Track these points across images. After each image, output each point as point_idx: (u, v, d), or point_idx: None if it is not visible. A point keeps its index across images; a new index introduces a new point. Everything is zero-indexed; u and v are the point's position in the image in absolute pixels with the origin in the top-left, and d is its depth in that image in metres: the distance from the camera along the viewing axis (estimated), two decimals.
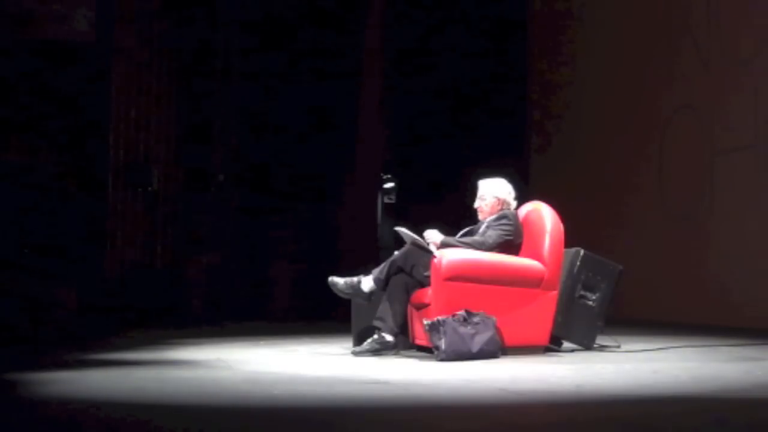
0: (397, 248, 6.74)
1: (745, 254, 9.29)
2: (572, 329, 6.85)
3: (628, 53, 11.17)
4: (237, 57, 12.08)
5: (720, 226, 9.72)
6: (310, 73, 12.15)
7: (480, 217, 6.87)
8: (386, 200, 7.57)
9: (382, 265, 6.64)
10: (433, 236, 6.64)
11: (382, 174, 7.68)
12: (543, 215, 6.71)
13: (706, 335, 7.85)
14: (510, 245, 6.65)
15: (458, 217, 7.42)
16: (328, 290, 6.71)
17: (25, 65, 11.01)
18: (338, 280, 6.66)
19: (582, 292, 6.92)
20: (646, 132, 10.85)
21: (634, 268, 8.28)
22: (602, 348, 6.89)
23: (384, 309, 6.51)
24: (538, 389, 4.95)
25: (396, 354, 6.49)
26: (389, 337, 6.47)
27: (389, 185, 7.58)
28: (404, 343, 6.67)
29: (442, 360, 6.00)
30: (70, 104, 11.08)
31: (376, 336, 6.48)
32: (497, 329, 6.17)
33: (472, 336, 6.04)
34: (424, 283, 6.50)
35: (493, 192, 6.84)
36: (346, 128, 12.37)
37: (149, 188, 11.14)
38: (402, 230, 6.68)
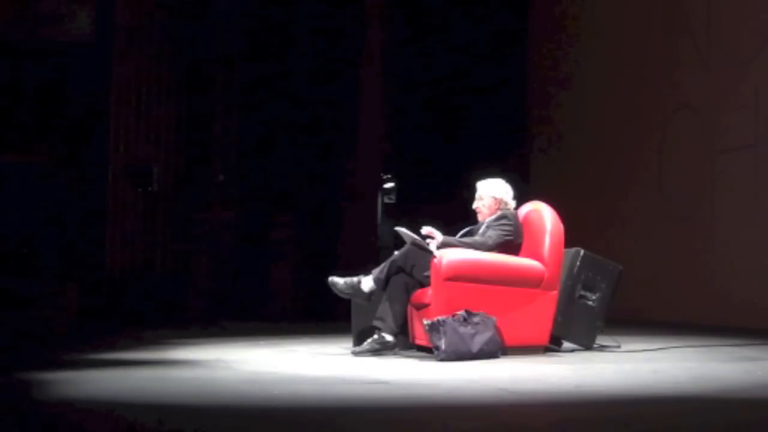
0: (397, 248, 6.74)
1: (745, 254, 9.29)
2: (572, 329, 6.85)
3: (628, 53, 11.17)
4: (238, 57, 12.08)
5: (720, 226, 9.72)
6: (311, 73, 12.15)
7: (479, 218, 6.87)
8: (386, 200, 7.57)
9: (382, 265, 6.63)
10: (431, 230, 6.62)
11: (382, 174, 7.67)
12: (543, 215, 6.71)
13: (706, 335, 7.85)
14: (510, 245, 6.65)
15: (459, 218, 7.42)
16: (328, 290, 6.71)
17: (25, 65, 11.01)
18: (338, 280, 6.65)
19: (582, 292, 6.92)
20: (646, 132, 10.85)
21: (634, 268, 8.28)
22: (602, 348, 6.89)
23: (384, 309, 6.51)
24: (538, 389, 4.95)
25: (396, 354, 6.49)
26: (389, 337, 6.47)
27: (389, 185, 7.58)
28: (404, 343, 6.66)
29: (442, 360, 5.99)
30: (71, 104, 11.08)
31: (376, 336, 6.48)
32: (497, 329, 6.17)
33: (472, 336, 6.04)
34: (424, 283, 6.50)
35: (490, 192, 6.85)
36: (346, 128, 12.37)
37: (149, 188, 11.14)
38: (402, 230, 6.67)
